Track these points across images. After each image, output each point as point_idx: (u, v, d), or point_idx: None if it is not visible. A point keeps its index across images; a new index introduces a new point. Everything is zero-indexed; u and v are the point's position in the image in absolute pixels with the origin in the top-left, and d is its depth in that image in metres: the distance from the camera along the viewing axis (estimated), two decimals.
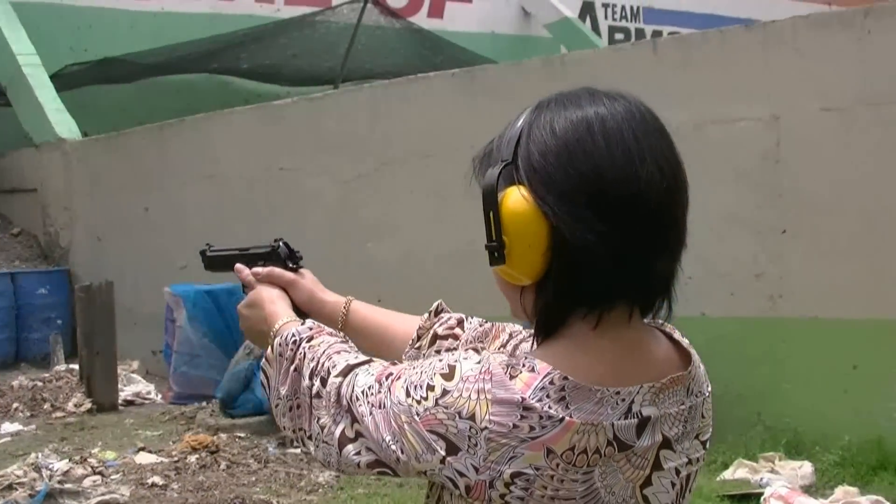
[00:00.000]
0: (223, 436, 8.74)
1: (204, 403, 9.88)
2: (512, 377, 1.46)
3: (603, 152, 1.48)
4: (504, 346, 1.99)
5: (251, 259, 2.30)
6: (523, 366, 1.47)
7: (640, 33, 17.22)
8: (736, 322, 7.60)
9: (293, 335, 1.84)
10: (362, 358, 1.72)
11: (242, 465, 7.98)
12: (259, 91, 13.86)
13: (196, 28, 13.30)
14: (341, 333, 1.91)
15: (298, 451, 8.35)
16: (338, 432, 1.63)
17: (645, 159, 1.49)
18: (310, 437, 1.73)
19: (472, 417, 1.45)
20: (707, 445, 1.66)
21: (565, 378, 1.45)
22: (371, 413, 1.57)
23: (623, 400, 1.48)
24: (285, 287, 2.20)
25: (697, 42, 8.31)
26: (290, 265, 2.27)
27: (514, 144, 1.54)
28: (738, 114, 7.87)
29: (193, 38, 12.91)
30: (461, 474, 1.47)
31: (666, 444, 1.54)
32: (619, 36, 16.95)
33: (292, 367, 1.80)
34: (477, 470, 1.45)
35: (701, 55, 8.11)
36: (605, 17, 16.96)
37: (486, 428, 1.44)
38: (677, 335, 1.68)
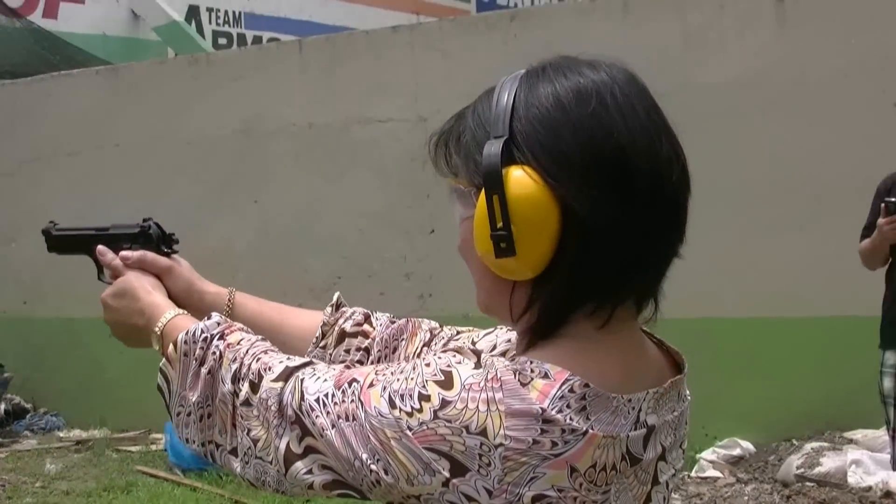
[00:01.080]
0: None
1: None
2: (524, 385, 1.27)
3: (620, 127, 1.32)
4: (427, 344, 1.85)
5: (113, 240, 2.04)
6: (533, 371, 1.28)
7: (241, 38, 17.46)
8: None
9: (201, 331, 1.60)
10: (300, 360, 1.51)
11: None
12: None
13: None
14: (251, 330, 1.68)
15: None
16: (282, 447, 1.41)
17: (660, 136, 1.35)
18: (232, 452, 1.51)
19: (483, 433, 1.24)
20: (685, 454, 1.54)
21: (586, 385, 1.27)
22: (335, 426, 1.35)
23: (633, 408, 1.33)
24: (160, 275, 1.96)
25: (343, 42, 8.63)
26: (164, 249, 2.03)
27: (507, 118, 1.35)
28: (387, 114, 8.23)
29: None
30: (470, 499, 1.26)
31: (662, 455, 1.40)
32: (222, 41, 17.11)
33: (204, 370, 1.56)
34: (490, 493, 1.25)
35: (348, 54, 8.44)
36: (210, 22, 17.08)
37: (501, 445, 1.24)
38: (650, 333, 1.54)
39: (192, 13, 16.78)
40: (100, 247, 2.02)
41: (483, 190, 1.33)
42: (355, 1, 19.80)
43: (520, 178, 1.31)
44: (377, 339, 1.91)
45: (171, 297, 1.90)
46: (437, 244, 7.91)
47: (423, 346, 1.83)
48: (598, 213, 1.29)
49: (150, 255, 1.97)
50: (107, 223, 2.10)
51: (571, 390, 1.26)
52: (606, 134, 1.31)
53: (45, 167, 9.60)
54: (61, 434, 9.12)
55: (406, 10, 20.45)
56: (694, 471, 6.95)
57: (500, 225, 1.31)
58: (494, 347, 1.70)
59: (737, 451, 7.17)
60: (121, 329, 1.87)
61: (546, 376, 1.27)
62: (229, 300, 1.99)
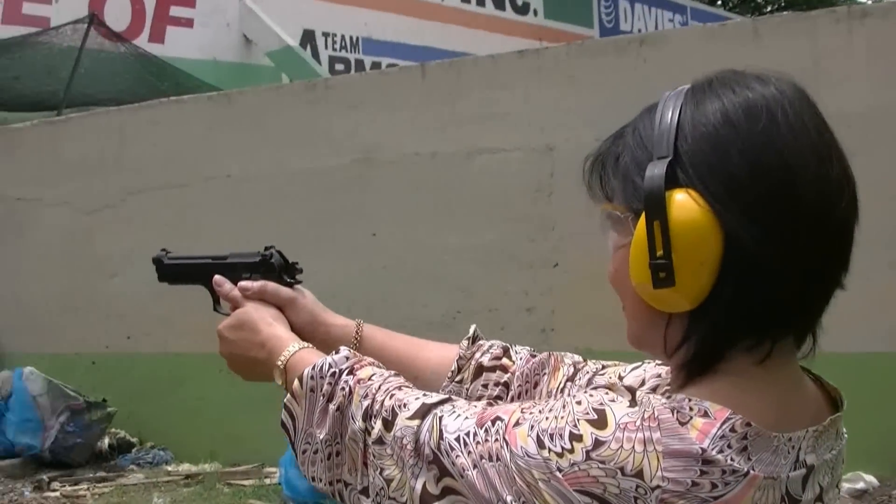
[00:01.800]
0: None
1: None
2: (682, 424, 1.20)
3: (792, 148, 1.23)
4: (571, 379, 1.74)
5: (231, 270, 1.97)
6: (691, 409, 1.21)
7: (359, 64, 17.29)
8: None
9: (329, 366, 1.55)
10: (438, 396, 1.44)
11: None
12: None
13: None
14: (383, 366, 1.62)
15: (57, 494, 8.03)
16: (417, 487, 1.34)
17: (832, 158, 1.25)
18: (363, 492, 1.45)
19: (639, 474, 1.18)
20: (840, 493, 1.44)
21: (748, 424, 1.20)
22: (477, 466, 1.28)
23: (794, 447, 1.25)
24: (282, 306, 1.89)
25: (468, 68, 8.29)
26: (287, 279, 1.95)
27: (672, 137, 1.27)
28: (513, 142, 7.92)
29: None
30: None
31: (820, 496, 1.31)
32: (339, 66, 16.97)
33: (332, 406, 1.51)
34: None
35: (472, 80, 8.12)
36: (326, 47, 16.94)
37: (658, 487, 1.17)
38: (807, 368, 1.43)
39: (307, 38, 16.67)
40: (217, 277, 1.95)
41: (643, 215, 1.26)
42: (476, 27, 19.62)
43: (684, 203, 1.24)
44: (517, 373, 1.83)
45: (294, 329, 1.83)
46: (560, 278, 7.69)
47: (567, 380, 1.74)
48: (763, 241, 1.22)
49: (272, 286, 1.91)
50: (225, 251, 2.02)
51: (733, 429, 1.20)
52: (777, 154, 1.23)
53: (151, 198, 9.31)
54: (169, 468, 8.91)
55: (528, 36, 20.29)
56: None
57: (660, 253, 1.24)
58: (643, 383, 1.61)
59: (860, 485, 6.99)
60: (238, 362, 1.82)
61: (706, 415, 1.21)
62: (357, 333, 1.93)
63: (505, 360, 1.86)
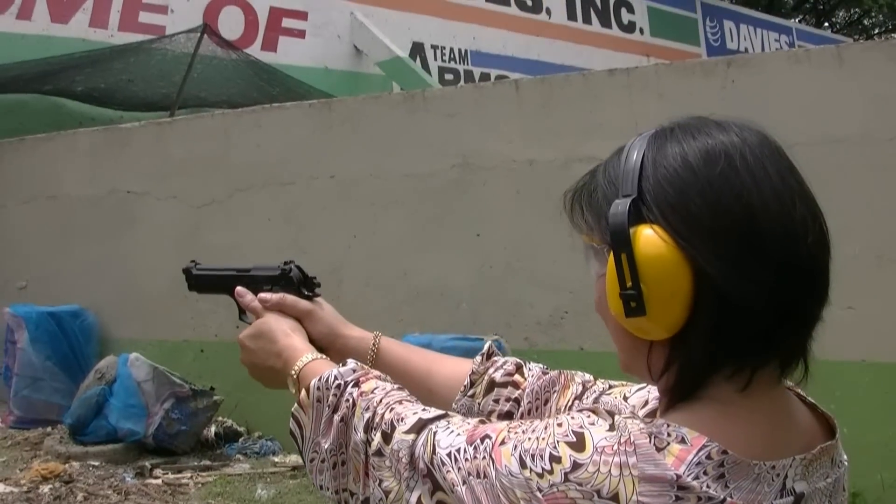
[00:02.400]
0: (76, 464, 8.38)
1: (49, 429, 9.50)
2: (659, 449, 1.24)
3: (752, 190, 1.29)
4: (579, 397, 1.80)
5: (253, 282, 2.09)
6: (669, 435, 1.26)
7: (468, 75, 17.46)
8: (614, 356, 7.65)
9: (335, 377, 1.63)
10: (434, 411, 1.51)
11: (101, 497, 7.63)
12: (92, 114, 13.44)
13: (28, 49, 12.91)
14: (388, 377, 1.70)
15: (159, 481, 8.14)
16: (413, 499, 1.42)
17: (794, 198, 1.31)
18: (365, 502, 1.53)
19: (615, 497, 1.22)
20: None
21: (724, 452, 1.24)
22: (466, 482, 1.34)
23: (778, 475, 1.28)
24: (300, 318, 1.99)
25: (560, 84, 8.41)
26: (305, 292, 2.05)
27: (636, 177, 1.34)
28: (604, 153, 7.96)
29: (26, 59, 12.53)
30: None
31: None
32: (448, 76, 17.15)
33: (337, 417, 1.59)
34: None
35: (564, 96, 8.24)
36: (435, 59, 17.13)
37: None
38: (807, 397, 1.49)
39: (417, 50, 16.88)
40: (239, 288, 2.07)
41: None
42: (584, 42, 19.69)
43: (648, 237, 1.31)
44: (528, 390, 1.89)
45: (312, 340, 1.91)
46: None
47: (575, 399, 1.80)
48: (730, 276, 1.27)
49: (290, 298, 2.00)
50: (248, 265, 2.15)
51: (709, 457, 1.24)
52: (736, 196, 1.29)
53: (257, 195, 9.58)
54: (276, 459, 8.92)
55: (635, 52, 20.32)
56: None
57: (629, 284, 1.31)
58: (646, 403, 1.68)
59: None
60: (258, 371, 1.92)
61: (683, 441, 1.25)
62: (374, 345, 1.99)
63: (517, 377, 1.92)
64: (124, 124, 10.92)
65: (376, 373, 1.67)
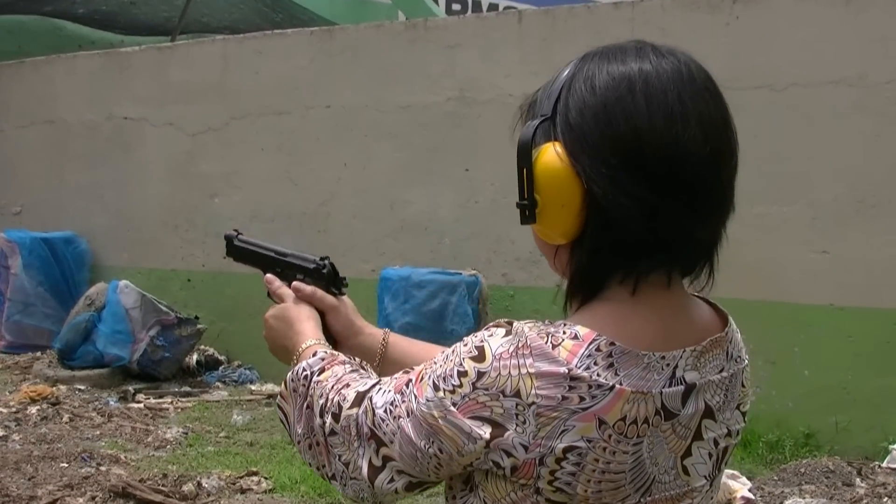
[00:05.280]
0: (63, 388, 8.58)
1: (39, 353, 9.61)
2: (554, 346, 1.37)
3: (643, 113, 1.40)
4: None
5: (288, 267, 2.18)
6: (564, 333, 1.39)
7: (476, 6, 17.25)
8: None
9: (304, 370, 1.76)
10: (369, 382, 1.64)
11: (85, 419, 7.80)
12: (93, 37, 13.36)
13: None
14: (356, 359, 1.82)
15: (141, 405, 8.32)
16: (364, 466, 1.56)
17: (689, 122, 1.41)
18: (333, 477, 1.66)
19: (517, 394, 1.36)
20: (747, 417, 1.60)
21: (612, 343, 1.38)
22: (399, 427, 1.49)
23: (668, 365, 1.42)
24: (324, 312, 2.09)
25: (563, 16, 8.27)
26: (333, 290, 2.14)
27: (554, 99, 1.47)
28: None
29: None
30: (508, 454, 1.38)
31: (708, 413, 1.48)
32: (456, 6, 16.95)
33: (304, 405, 1.73)
34: (526, 448, 1.37)
35: (567, 29, 8.12)
36: None
37: (533, 403, 1.36)
38: (708, 299, 1.62)
39: None
40: (268, 276, 2.16)
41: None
42: None
43: (548, 154, 1.45)
44: None
45: (332, 332, 2.06)
46: None
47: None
48: (610, 191, 1.40)
49: (321, 293, 2.09)
50: (287, 249, 2.21)
51: (598, 349, 1.37)
52: (626, 118, 1.40)
53: (252, 124, 9.52)
54: (253, 387, 9.12)
55: None
56: (886, 461, 6.80)
57: (526, 196, 1.46)
58: None
59: None
60: (275, 347, 2.05)
61: (575, 337, 1.38)
62: (383, 340, 2.10)
63: None
64: (124, 48, 10.85)
65: (341, 358, 1.79)
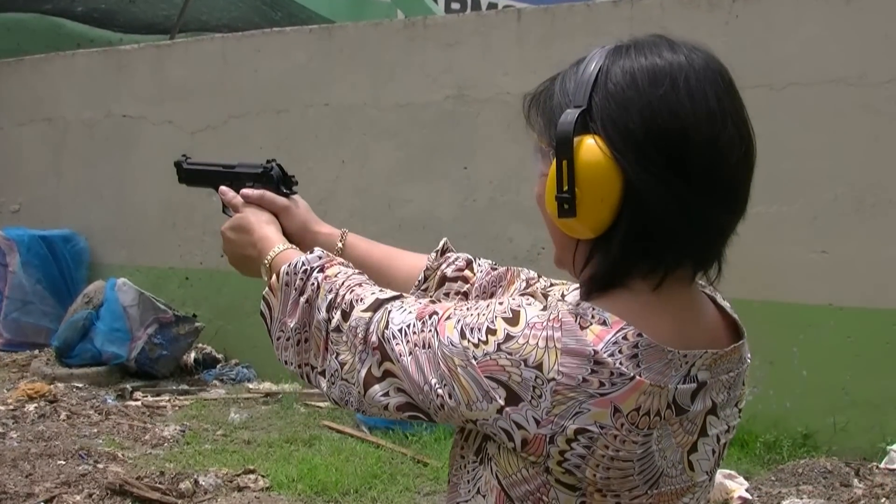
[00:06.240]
0: (60, 385, 8.58)
1: (37, 351, 9.63)
2: (583, 328, 1.38)
3: (688, 112, 1.40)
4: (522, 293, 1.89)
5: (238, 178, 2.17)
6: (593, 317, 1.40)
7: (475, 3, 17.21)
8: None
9: (302, 263, 1.73)
10: (391, 293, 1.63)
11: (83, 416, 7.80)
12: (91, 35, 13.33)
13: None
14: (352, 265, 1.80)
15: (138, 403, 8.31)
16: (363, 371, 1.55)
17: (726, 121, 1.42)
18: (322, 373, 1.64)
19: (538, 367, 1.37)
20: (741, 413, 1.62)
21: (639, 335, 1.38)
22: (412, 353, 1.48)
23: (687, 363, 1.42)
24: (277, 213, 2.08)
25: (563, 14, 8.26)
26: (284, 190, 2.14)
27: (588, 90, 1.44)
28: None
29: None
30: (519, 426, 1.39)
31: (713, 410, 1.49)
32: (454, 5, 16.92)
33: (303, 299, 1.69)
34: (538, 423, 1.37)
35: (566, 27, 8.10)
36: None
37: (553, 379, 1.36)
38: (719, 299, 1.63)
39: None
40: (222, 187, 2.15)
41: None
42: None
43: (589, 147, 1.42)
44: (476, 284, 2.03)
45: (286, 234, 2.02)
46: None
47: (519, 295, 1.80)
48: (653, 188, 1.39)
49: (269, 195, 2.09)
50: (234, 161, 2.25)
51: (625, 338, 1.38)
52: (672, 115, 1.40)
53: (251, 122, 9.52)
54: (251, 385, 9.14)
55: None
56: (884, 462, 6.78)
57: (565, 188, 1.43)
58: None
59: None
60: (235, 259, 2.03)
61: (604, 323, 1.39)
62: (341, 240, 2.11)
63: (467, 272, 2.07)
64: (123, 46, 10.84)
65: (340, 260, 1.78)
